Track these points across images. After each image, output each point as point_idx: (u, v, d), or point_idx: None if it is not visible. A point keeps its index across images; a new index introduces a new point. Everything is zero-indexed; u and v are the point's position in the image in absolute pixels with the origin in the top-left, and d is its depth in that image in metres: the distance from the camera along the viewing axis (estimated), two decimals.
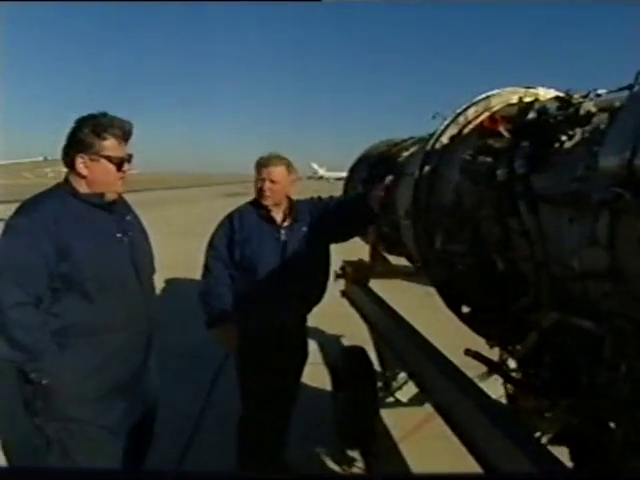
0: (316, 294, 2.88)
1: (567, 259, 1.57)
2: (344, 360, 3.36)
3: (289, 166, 2.89)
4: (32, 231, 1.87)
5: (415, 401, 3.34)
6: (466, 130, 2.39)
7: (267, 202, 2.80)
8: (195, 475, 1.21)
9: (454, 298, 2.43)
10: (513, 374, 2.23)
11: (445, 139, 2.42)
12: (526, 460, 1.59)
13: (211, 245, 2.83)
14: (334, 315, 5.43)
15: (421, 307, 4.19)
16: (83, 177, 1.98)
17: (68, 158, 1.99)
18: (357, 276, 3.42)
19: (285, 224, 2.82)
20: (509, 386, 2.20)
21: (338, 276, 3.67)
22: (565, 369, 1.79)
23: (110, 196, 2.05)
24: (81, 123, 1.97)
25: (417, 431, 3.43)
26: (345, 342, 4.95)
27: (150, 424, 2.27)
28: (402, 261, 3.66)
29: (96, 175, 1.98)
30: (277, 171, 2.81)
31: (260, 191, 2.81)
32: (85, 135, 1.94)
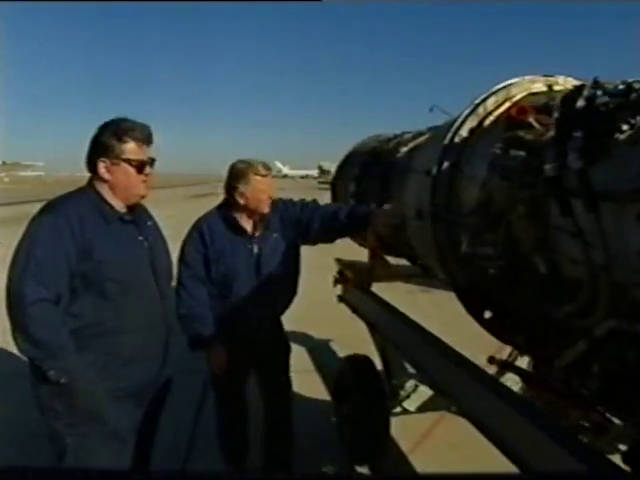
0: (290, 295, 2.86)
1: (632, 262, 1.42)
2: (348, 371, 3.16)
3: None
4: (56, 229, 1.88)
5: (422, 409, 3.17)
6: (487, 122, 2.23)
7: (265, 210, 2.71)
8: (195, 475, 1.20)
9: (477, 303, 2.28)
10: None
11: (464, 132, 2.25)
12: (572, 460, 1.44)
13: (184, 262, 2.68)
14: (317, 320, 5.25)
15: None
16: (105, 181, 2.00)
17: (91, 163, 2.01)
18: (359, 280, 3.21)
19: (257, 234, 2.72)
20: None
21: (337, 281, 3.46)
22: (620, 380, 1.64)
23: (133, 199, 2.07)
24: (103, 128, 2.00)
25: (426, 440, 3.27)
26: (337, 348, 4.76)
27: (153, 427, 2.25)
28: (397, 262, 3.51)
29: (118, 179, 2.00)
30: (272, 181, 2.76)
31: (259, 201, 2.67)
32: (106, 139, 1.97)
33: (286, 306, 2.85)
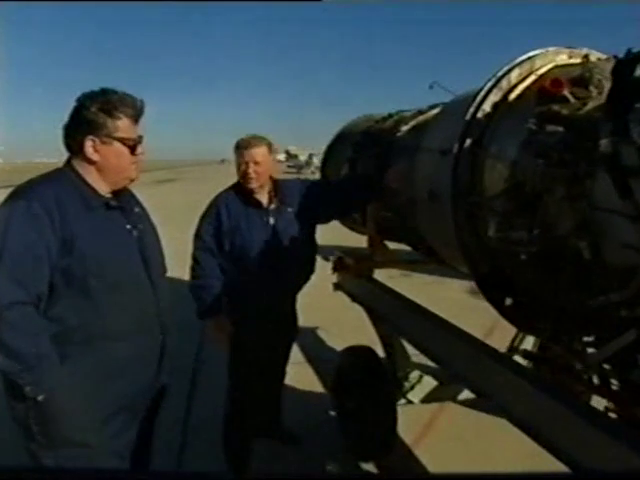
0: (307, 273, 2.86)
1: None
2: (351, 363, 2.99)
3: (270, 146, 2.82)
4: (32, 217, 1.59)
5: (426, 400, 3.05)
6: (512, 96, 2.07)
7: (252, 185, 2.72)
8: (195, 475, 1.16)
9: (498, 289, 2.13)
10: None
11: (488, 107, 2.08)
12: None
13: (198, 236, 2.74)
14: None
15: None
16: (93, 162, 1.74)
17: (74, 141, 1.74)
18: (361, 267, 3.04)
19: (272, 207, 2.76)
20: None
21: (335, 269, 3.28)
22: None
23: (122, 183, 1.82)
24: (87, 101, 1.72)
25: (429, 432, 3.16)
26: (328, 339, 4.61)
27: (149, 438, 1.99)
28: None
29: (108, 160, 1.74)
30: (260, 152, 2.73)
31: (244, 174, 2.72)
32: (94, 114, 1.70)
33: (302, 283, 2.84)
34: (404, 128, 3.15)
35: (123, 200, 1.85)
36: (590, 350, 1.95)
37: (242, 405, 2.74)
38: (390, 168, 2.80)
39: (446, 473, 2.49)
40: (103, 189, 1.78)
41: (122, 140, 1.75)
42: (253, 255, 2.65)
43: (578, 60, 2.09)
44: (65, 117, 1.78)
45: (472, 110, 2.09)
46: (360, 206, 3.05)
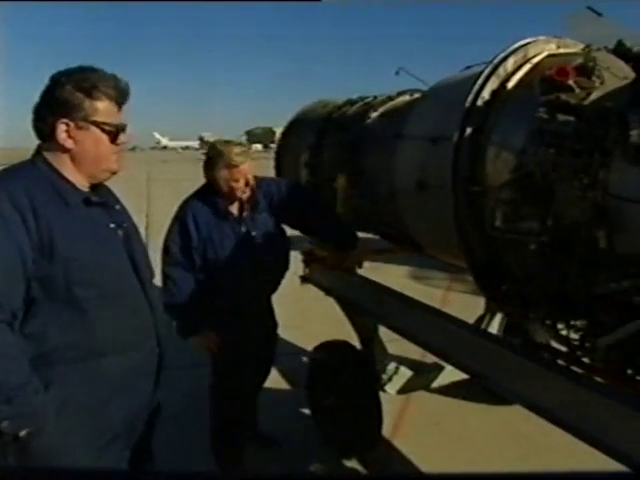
0: (282, 272, 2.74)
1: None
2: (330, 358, 2.90)
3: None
4: (1, 218, 1.36)
5: (402, 392, 3.03)
6: (510, 84, 2.05)
7: (242, 197, 2.54)
8: (195, 475, 1.11)
9: (497, 279, 2.14)
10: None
11: (487, 94, 2.05)
12: None
13: (166, 251, 2.54)
14: None
15: None
16: (66, 150, 1.49)
17: (45, 125, 1.48)
18: (336, 259, 2.94)
19: (244, 215, 2.58)
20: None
21: (306, 262, 3.15)
22: None
23: (101, 175, 1.57)
24: (62, 78, 1.48)
25: (405, 422, 3.15)
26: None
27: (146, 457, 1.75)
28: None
29: (84, 147, 1.50)
30: (248, 167, 2.52)
31: (236, 189, 2.49)
32: (69, 94, 1.46)
33: (278, 282, 2.73)
34: (374, 115, 3.08)
35: (102, 195, 1.60)
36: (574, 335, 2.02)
37: (231, 417, 2.61)
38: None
39: (445, 473, 2.48)
40: (81, 182, 1.54)
41: (101, 125, 1.50)
42: (228, 268, 2.49)
43: (572, 50, 2.11)
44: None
45: (471, 97, 2.04)
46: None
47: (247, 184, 2.50)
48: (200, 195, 2.58)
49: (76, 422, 1.44)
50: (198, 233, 2.48)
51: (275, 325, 2.81)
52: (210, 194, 2.54)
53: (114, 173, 1.61)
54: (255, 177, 2.57)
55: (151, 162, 37.88)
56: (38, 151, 1.53)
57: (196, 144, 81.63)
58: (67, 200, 1.47)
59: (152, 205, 12.46)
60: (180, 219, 2.52)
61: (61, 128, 1.46)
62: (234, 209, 2.56)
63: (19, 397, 1.33)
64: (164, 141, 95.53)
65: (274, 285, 2.72)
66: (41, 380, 1.39)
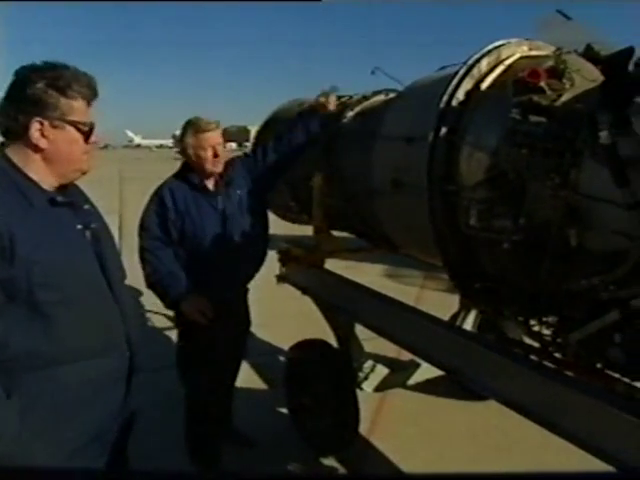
0: (262, 253, 2.78)
1: None
2: (307, 357, 2.89)
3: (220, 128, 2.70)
4: None
5: (378, 389, 3.06)
6: (484, 85, 2.08)
7: (215, 169, 2.59)
8: (195, 475, 1.18)
9: (472, 277, 2.17)
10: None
11: (461, 95, 2.08)
12: None
13: (143, 227, 2.58)
14: None
15: None
16: (39, 150, 1.44)
17: (15, 124, 1.42)
18: (312, 258, 2.94)
19: (219, 189, 2.64)
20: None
21: (282, 261, 3.14)
22: None
23: (72, 176, 1.53)
24: (32, 75, 1.42)
25: (381, 418, 3.17)
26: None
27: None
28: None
29: (58, 147, 1.45)
30: (219, 135, 2.62)
31: (205, 160, 2.55)
32: (42, 92, 1.41)
33: (255, 269, 2.74)
34: (350, 114, 3.09)
35: (70, 195, 1.54)
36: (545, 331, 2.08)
37: (202, 403, 2.63)
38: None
39: (445, 473, 2.51)
40: (47, 182, 1.48)
41: (77, 124, 1.47)
42: (206, 242, 2.53)
43: (543, 52, 2.16)
44: None
45: (446, 98, 2.07)
46: (295, 158, 2.91)
47: (216, 156, 2.54)
48: (179, 173, 2.65)
49: (40, 430, 1.38)
50: (175, 207, 2.51)
51: (248, 319, 2.81)
52: (188, 171, 2.61)
53: (84, 173, 1.57)
54: (232, 158, 2.69)
55: (124, 160, 37.26)
56: (2, 152, 1.46)
57: (170, 142, 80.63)
58: (31, 201, 1.41)
59: (125, 204, 12.24)
60: (158, 194, 2.57)
61: (35, 127, 1.41)
62: (210, 184, 2.61)
63: None
64: (137, 139, 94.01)
65: (249, 269, 2.71)
66: (2, 387, 1.33)
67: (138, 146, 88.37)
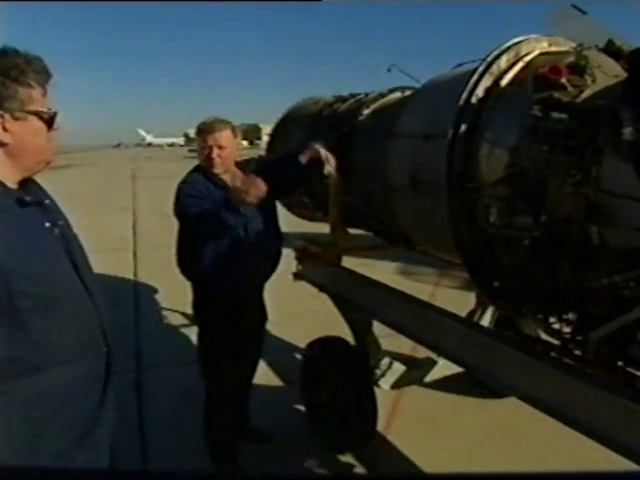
0: (277, 251, 2.80)
1: None
2: (325, 355, 2.91)
3: (234, 129, 2.75)
4: None
5: (395, 386, 3.06)
6: (504, 81, 2.07)
7: (217, 170, 2.64)
8: (195, 475, 1.13)
9: (490, 274, 2.17)
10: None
11: (480, 92, 2.07)
12: None
13: (182, 212, 2.55)
14: None
15: None
16: (3, 145, 1.35)
17: None
18: (329, 256, 2.95)
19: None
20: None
21: (299, 259, 3.15)
22: None
23: (37, 168, 1.45)
24: None
25: (396, 416, 3.18)
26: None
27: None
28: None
29: (23, 140, 1.37)
30: (224, 136, 2.65)
31: (208, 159, 2.63)
32: None
33: (272, 267, 2.77)
34: (366, 111, 3.09)
35: (32, 191, 1.46)
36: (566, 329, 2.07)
37: (221, 398, 2.66)
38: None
39: (444, 473, 2.52)
40: (11, 179, 1.39)
41: (38, 113, 1.38)
42: (226, 237, 2.56)
43: (563, 48, 2.14)
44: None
45: (465, 95, 2.06)
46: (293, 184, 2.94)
47: (221, 156, 2.59)
48: (195, 171, 2.70)
49: (20, 442, 1.35)
50: (208, 197, 2.53)
51: (264, 309, 2.84)
52: (206, 171, 2.66)
53: (48, 163, 1.50)
54: (237, 162, 2.73)
55: (136, 159, 37.51)
56: None
57: (181, 141, 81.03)
58: None
59: (137, 203, 12.35)
60: (187, 185, 2.59)
61: None
62: (227, 179, 2.66)
63: None
64: (149, 138, 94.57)
65: (269, 263, 2.74)
66: None
67: (150, 145, 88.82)
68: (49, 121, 1.41)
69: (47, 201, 1.50)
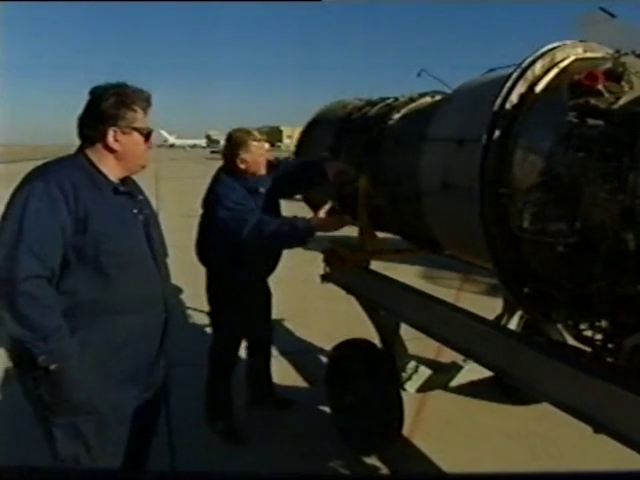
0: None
1: None
2: (352, 356, 2.93)
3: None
4: (50, 197, 1.72)
5: (421, 390, 3.07)
6: (538, 87, 2.08)
7: (263, 173, 3.04)
8: (195, 475, 1.18)
9: (522, 280, 2.17)
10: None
11: (515, 98, 2.08)
12: None
13: (227, 206, 2.84)
14: None
15: None
16: (113, 151, 1.88)
17: (95, 132, 1.87)
18: (358, 258, 2.97)
19: (260, 191, 3.02)
20: None
21: (327, 261, 3.19)
22: None
23: (136, 169, 1.98)
24: (103, 94, 1.87)
25: (421, 419, 3.19)
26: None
27: (155, 418, 2.14)
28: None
29: (127, 148, 1.90)
30: (266, 145, 3.15)
31: (259, 165, 3.01)
32: (113, 107, 1.86)
33: (275, 262, 3.16)
34: (396, 116, 3.11)
35: (129, 186, 1.98)
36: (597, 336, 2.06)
37: (226, 359, 3.07)
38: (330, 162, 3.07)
39: (444, 473, 2.53)
40: (114, 176, 1.90)
41: (139, 130, 1.90)
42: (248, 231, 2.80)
43: (598, 54, 2.14)
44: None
45: (499, 101, 2.08)
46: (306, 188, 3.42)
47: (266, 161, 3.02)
48: (225, 174, 3.02)
49: (93, 363, 1.77)
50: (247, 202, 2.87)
51: (269, 290, 3.26)
52: (232, 174, 2.98)
53: (144, 167, 2.00)
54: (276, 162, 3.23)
55: (158, 159, 37.99)
56: (80, 149, 1.90)
57: (203, 142, 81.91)
58: (100, 188, 1.84)
59: (160, 202, 12.52)
60: (228, 187, 2.91)
61: (110, 134, 1.85)
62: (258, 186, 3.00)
63: (53, 337, 1.66)
64: (172, 139, 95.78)
65: (272, 258, 3.12)
66: (69, 327, 1.72)
67: (172, 146, 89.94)
68: (147, 136, 1.94)
69: (140, 196, 2.03)
